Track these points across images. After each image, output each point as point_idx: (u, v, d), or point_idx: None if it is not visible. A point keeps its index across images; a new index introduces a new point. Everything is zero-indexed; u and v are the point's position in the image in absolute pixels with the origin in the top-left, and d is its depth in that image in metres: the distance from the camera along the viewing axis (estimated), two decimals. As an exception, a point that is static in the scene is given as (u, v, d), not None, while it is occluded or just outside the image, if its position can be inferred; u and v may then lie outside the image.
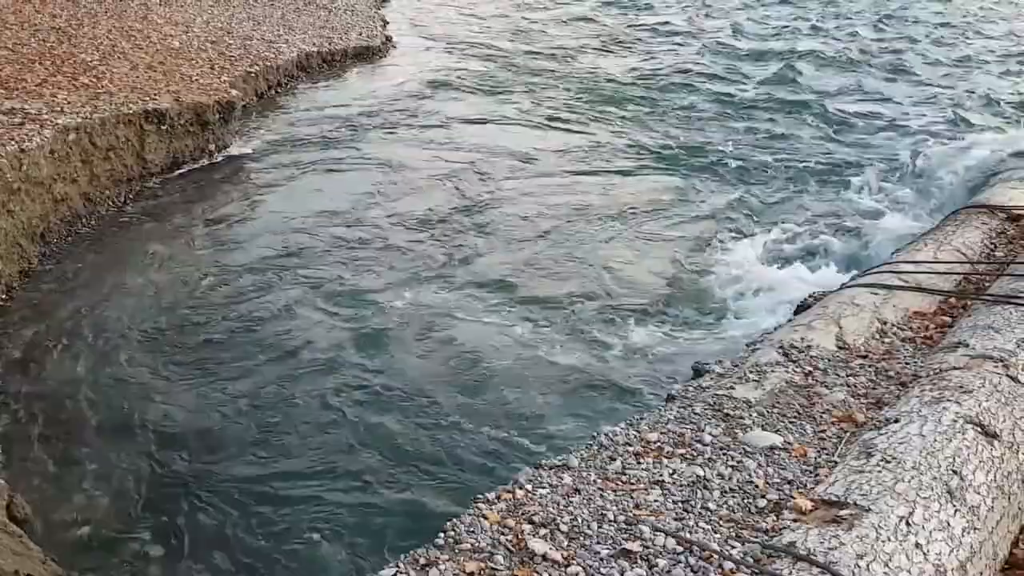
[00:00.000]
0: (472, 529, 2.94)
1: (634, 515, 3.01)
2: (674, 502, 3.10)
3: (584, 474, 3.31)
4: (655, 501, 3.11)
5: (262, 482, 4.82)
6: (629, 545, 2.84)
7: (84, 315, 6.41)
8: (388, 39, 15.44)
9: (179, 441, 5.15)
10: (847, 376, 4.07)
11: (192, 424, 5.29)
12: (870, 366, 4.19)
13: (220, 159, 9.50)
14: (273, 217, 8.21)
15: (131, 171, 8.48)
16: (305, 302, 6.68)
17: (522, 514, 3.03)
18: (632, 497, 3.13)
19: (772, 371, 4.10)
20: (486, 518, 3.00)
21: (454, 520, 3.00)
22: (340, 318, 6.48)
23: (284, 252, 7.49)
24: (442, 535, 2.92)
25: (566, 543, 2.88)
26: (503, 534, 2.91)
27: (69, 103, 8.18)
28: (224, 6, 14.42)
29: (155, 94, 9.06)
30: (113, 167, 8.24)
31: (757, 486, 3.19)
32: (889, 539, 2.70)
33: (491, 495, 3.16)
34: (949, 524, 2.85)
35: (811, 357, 4.24)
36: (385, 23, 16.49)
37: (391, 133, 10.87)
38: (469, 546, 2.86)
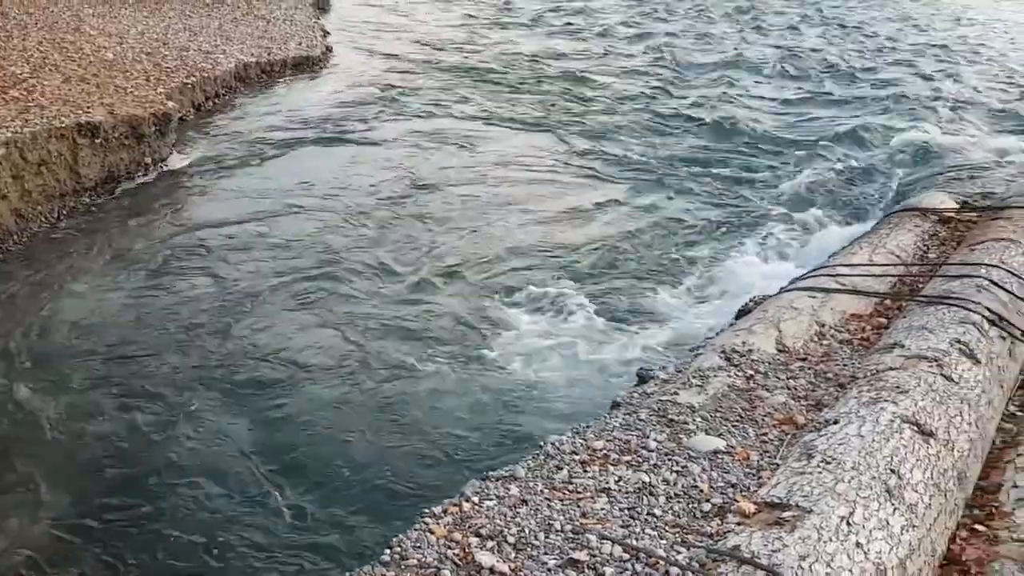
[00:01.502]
0: (418, 544, 2.91)
1: (581, 524, 3.02)
2: (620, 509, 3.11)
3: (531, 484, 3.30)
4: (602, 509, 3.12)
5: (204, 503, 4.71)
6: (576, 554, 2.85)
7: (15, 335, 6.22)
8: (328, 49, 15.32)
9: (118, 464, 5.01)
10: (787, 379, 4.14)
11: (131, 446, 5.16)
12: (809, 368, 4.26)
13: (157, 173, 9.31)
14: (211, 231, 8.06)
15: (64, 186, 8.26)
16: (244, 318, 6.57)
17: (469, 527, 3.01)
18: (579, 506, 3.14)
19: (715, 376, 4.15)
20: (432, 532, 2.98)
21: (400, 536, 2.97)
22: (277, 333, 6.38)
23: (222, 267, 7.36)
24: (388, 551, 2.89)
25: (513, 555, 2.87)
26: (450, 548, 2.89)
27: (-2, 117, 7.97)
28: (159, 17, 14.19)
29: (88, 107, 8.85)
30: (45, 182, 8.02)
31: (702, 491, 3.22)
32: (831, 539, 2.75)
33: (437, 509, 3.13)
34: (888, 522, 2.91)
35: (752, 361, 4.30)
36: (325, 33, 16.37)
37: (330, 143, 10.79)
38: (415, 562, 2.83)
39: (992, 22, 22.18)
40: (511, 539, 2.94)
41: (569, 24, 20.17)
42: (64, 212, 8.22)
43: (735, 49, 17.75)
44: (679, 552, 2.85)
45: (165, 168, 9.44)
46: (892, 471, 3.12)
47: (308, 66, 14.20)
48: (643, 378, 4.49)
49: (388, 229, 8.31)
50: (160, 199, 8.79)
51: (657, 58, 16.68)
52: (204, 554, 4.38)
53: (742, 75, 15.50)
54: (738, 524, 2.95)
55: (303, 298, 6.93)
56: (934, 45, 18.84)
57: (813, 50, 17.69)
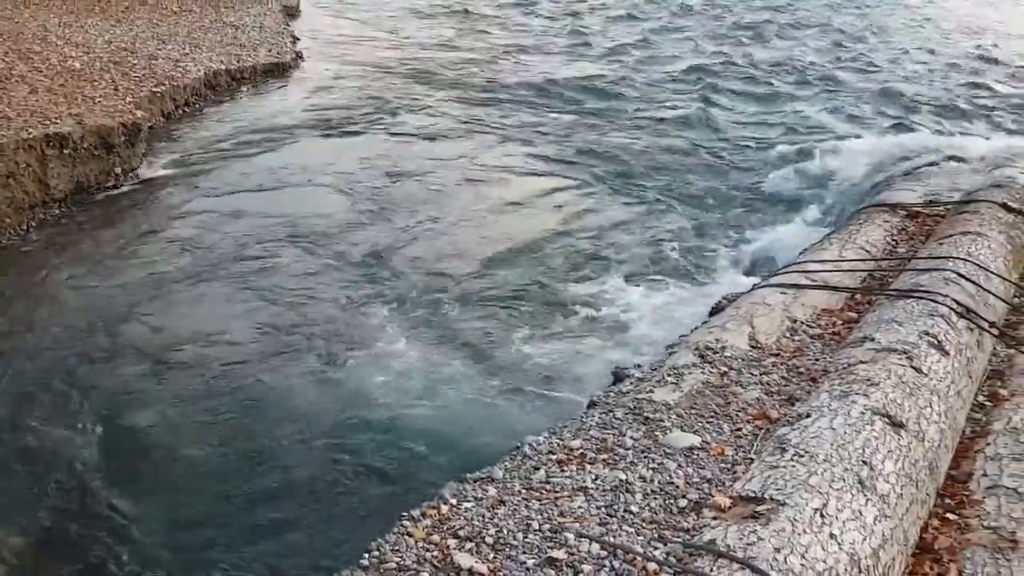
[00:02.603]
0: (397, 547, 2.92)
1: (559, 523, 3.04)
2: (598, 507, 3.14)
3: (509, 485, 3.32)
4: (579, 507, 3.14)
5: (174, 512, 4.69)
6: (554, 553, 2.86)
7: (-14, 348, 6.17)
8: (298, 55, 15.27)
9: (87, 478, 4.98)
10: (761, 374, 4.18)
11: (101, 460, 5.12)
12: (782, 364, 4.30)
13: (127, 182, 9.23)
14: (181, 240, 8.01)
15: (33, 198, 8.18)
16: (215, 327, 6.53)
17: (447, 529, 3.02)
18: (557, 505, 3.16)
19: (689, 373, 4.18)
20: (411, 535, 2.99)
21: (379, 539, 2.97)
22: (248, 343, 6.35)
23: (192, 277, 7.31)
24: (367, 555, 2.90)
25: (492, 555, 2.89)
26: (428, 550, 2.90)
27: (-36, 129, 7.88)
28: (127, 25, 14.06)
29: (56, 118, 8.77)
30: (13, 194, 7.94)
31: (678, 486, 3.25)
32: (805, 531, 2.78)
33: (416, 512, 3.14)
34: (861, 513, 2.95)
35: (726, 357, 4.34)
36: (295, 39, 16.30)
37: (299, 149, 10.74)
38: (395, 565, 2.84)
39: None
40: (489, 540, 2.96)
41: (545, 34, 20.17)
42: (33, 224, 8.13)
43: (710, 50, 17.90)
44: (656, 548, 2.88)
45: (135, 178, 9.36)
46: (864, 463, 3.17)
47: (278, 72, 14.14)
48: (619, 377, 4.52)
49: (353, 233, 8.31)
50: (130, 209, 8.72)
51: (624, 65, 16.77)
52: (173, 561, 4.36)
53: (719, 79, 15.61)
54: (714, 519, 2.98)
55: (272, 305, 6.90)
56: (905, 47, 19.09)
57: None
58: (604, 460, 3.45)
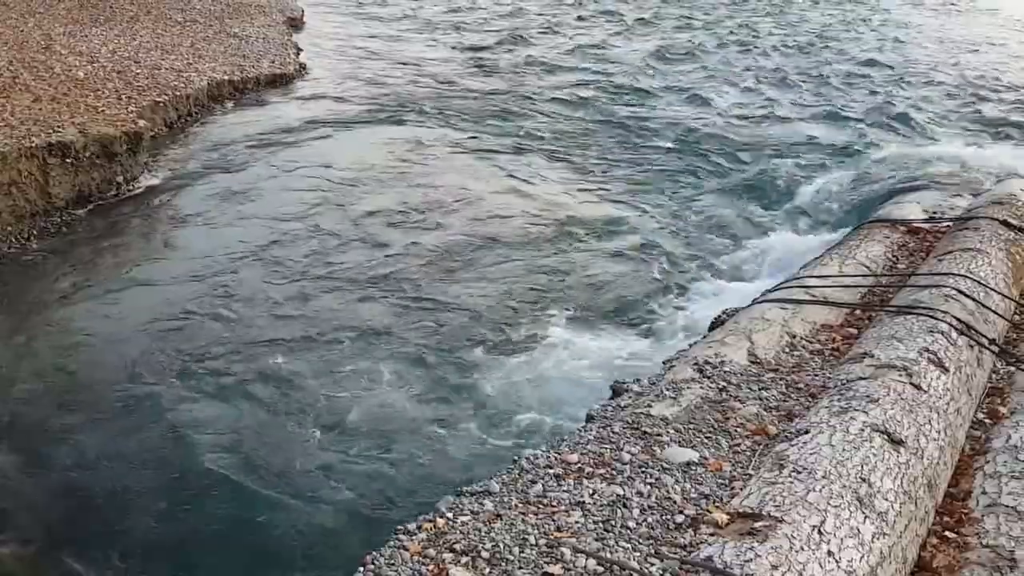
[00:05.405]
0: (392, 561, 2.91)
1: (555, 538, 3.02)
2: (595, 522, 3.12)
3: (505, 499, 3.30)
4: (576, 522, 3.12)
5: (169, 527, 4.69)
6: (550, 568, 2.85)
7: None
8: (302, 66, 15.32)
9: (83, 490, 4.98)
10: (759, 390, 4.16)
11: (100, 467, 5.12)
12: (781, 379, 4.30)
13: (128, 192, 9.26)
14: (182, 250, 8.03)
15: (35, 206, 8.20)
16: (215, 340, 6.52)
17: (443, 543, 3.01)
18: (553, 520, 3.14)
19: (688, 388, 4.17)
20: (407, 549, 2.97)
21: (374, 553, 2.96)
22: (251, 353, 6.35)
23: (192, 287, 7.31)
24: (361, 569, 2.88)
25: (487, 570, 2.87)
26: (424, 564, 2.89)
27: (-33, 137, 7.90)
28: (131, 35, 14.11)
29: (59, 126, 8.80)
30: (15, 203, 7.96)
31: (675, 502, 3.23)
32: (802, 548, 2.76)
33: (412, 525, 3.13)
34: (859, 531, 2.93)
35: (725, 372, 4.33)
36: (298, 50, 16.35)
37: (300, 159, 10.74)
38: (389, 579, 2.82)
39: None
40: (485, 554, 2.94)
41: (547, 47, 20.15)
42: (35, 232, 8.15)
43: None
44: (652, 564, 2.86)
45: (137, 187, 9.38)
46: (863, 480, 3.15)
47: (281, 83, 14.17)
48: (617, 391, 4.51)
49: (354, 242, 8.33)
50: (132, 218, 8.74)
51: (627, 75, 16.80)
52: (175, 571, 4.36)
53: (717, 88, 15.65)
54: (711, 535, 2.96)
55: (274, 313, 6.90)
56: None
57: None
58: (601, 475, 3.44)
